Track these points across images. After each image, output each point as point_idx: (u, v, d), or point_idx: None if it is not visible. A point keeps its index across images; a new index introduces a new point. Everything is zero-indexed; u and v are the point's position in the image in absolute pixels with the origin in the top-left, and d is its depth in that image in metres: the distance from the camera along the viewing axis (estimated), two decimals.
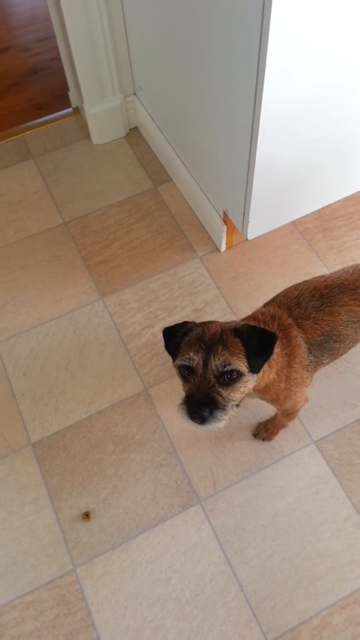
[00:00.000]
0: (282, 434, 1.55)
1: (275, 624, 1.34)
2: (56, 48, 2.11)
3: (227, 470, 1.52)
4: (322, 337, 1.25)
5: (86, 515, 1.48)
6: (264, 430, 1.54)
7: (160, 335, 1.73)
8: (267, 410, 1.59)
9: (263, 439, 1.55)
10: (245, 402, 1.56)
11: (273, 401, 1.27)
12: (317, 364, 1.28)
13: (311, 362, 1.26)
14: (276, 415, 1.48)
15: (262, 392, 1.21)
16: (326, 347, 1.27)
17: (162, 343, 1.74)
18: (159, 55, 1.75)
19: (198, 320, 1.70)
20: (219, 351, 1.04)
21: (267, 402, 1.30)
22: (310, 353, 1.25)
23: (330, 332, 1.26)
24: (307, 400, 1.35)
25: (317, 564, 1.40)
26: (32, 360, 1.72)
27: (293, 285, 1.34)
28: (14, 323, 1.79)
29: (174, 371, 1.68)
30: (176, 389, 1.65)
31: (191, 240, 1.94)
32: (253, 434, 1.56)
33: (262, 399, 1.28)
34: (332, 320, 1.25)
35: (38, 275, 1.89)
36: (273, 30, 1.13)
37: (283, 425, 1.48)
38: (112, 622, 1.36)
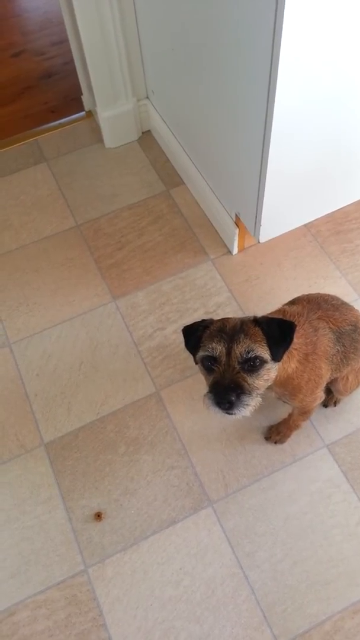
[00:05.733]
0: (294, 437, 1.54)
1: (287, 627, 1.34)
2: (69, 52, 2.13)
3: (239, 473, 1.52)
4: (350, 327, 1.30)
5: (98, 516, 1.48)
6: (276, 433, 1.53)
7: (172, 338, 1.75)
8: (279, 413, 1.59)
9: (275, 442, 1.55)
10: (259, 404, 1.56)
11: (293, 395, 1.27)
12: (343, 356, 1.30)
13: (338, 351, 1.29)
14: (289, 416, 1.48)
15: (284, 383, 1.22)
16: (354, 338, 1.31)
17: (173, 345, 1.75)
18: (171, 59, 1.76)
19: None
20: (241, 339, 1.06)
21: (286, 399, 1.30)
22: (338, 342, 1.28)
23: (355, 323, 1.32)
24: (323, 398, 1.36)
25: (329, 568, 1.40)
26: (45, 362, 1.73)
27: (310, 293, 1.41)
28: (27, 324, 1.81)
29: (186, 373, 1.69)
30: (187, 391, 1.66)
31: (203, 243, 1.94)
32: (265, 437, 1.56)
33: (281, 395, 1.28)
34: (358, 315, 1.36)
35: (51, 277, 1.90)
36: (286, 34, 1.13)
37: (297, 426, 1.48)
38: (124, 623, 1.36)
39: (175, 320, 1.79)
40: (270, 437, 1.55)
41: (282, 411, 1.58)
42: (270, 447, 1.55)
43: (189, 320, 1.78)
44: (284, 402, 1.34)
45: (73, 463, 1.57)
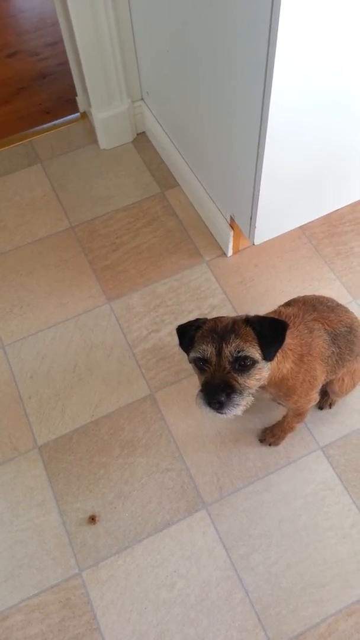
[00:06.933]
0: (288, 439, 1.54)
1: (281, 630, 1.34)
2: (64, 53, 2.13)
3: (233, 475, 1.52)
4: (345, 328, 1.31)
5: (92, 519, 1.48)
6: (271, 436, 1.53)
7: (167, 340, 1.75)
8: (273, 415, 1.59)
9: (269, 445, 1.55)
10: (253, 406, 1.56)
11: (288, 396, 1.28)
12: (339, 357, 1.31)
13: (333, 353, 1.29)
14: (283, 418, 1.48)
15: (278, 384, 1.22)
16: (349, 339, 1.32)
17: (168, 347, 1.74)
18: (166, 60, 1.76)
19: None
20: (231, 339, 1.07)
21: (280, 400, 1.31)
22: (334, 343, 1.29)
23: (350, 325, 1.33)
24: (317, 400, 1.36)
25: (323, 571, 1.40)
26: (39, 364, 1.72)
27: (306, 295, 1.41)
28: (21, 326, 1.80)
29: (180, 375, 1.69)
30: (182, 394, 1.65)
31: (198, 245, 1.94)
32: (259, 439, 1.56)
33: (275, 397, 1.29)
34: (353, 317, 1.37)
35: (45, 279, 1.90)
36: (281, 35, 1.13)
37: (291, 428, 1.48)
38: (118, 626, 1.36)
39: (170, 322, 1.78)
40: (264, 440, 1.55)
41: (277, 413, 1.58)
42: (264, 450, 1.55)
43: (184, 322, 1.77)
44: (279, 403, 1.34)
45: (67, 466, 1.56)
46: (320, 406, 1.58)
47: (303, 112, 1.35)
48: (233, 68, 1.36)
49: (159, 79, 1.92)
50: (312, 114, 1.38)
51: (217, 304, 1.81)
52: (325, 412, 1.60)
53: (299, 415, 1.41)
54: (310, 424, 1.58)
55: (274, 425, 1.54)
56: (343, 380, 1.42)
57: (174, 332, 1.76)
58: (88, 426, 1.62)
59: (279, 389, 1.24)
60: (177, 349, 1.71)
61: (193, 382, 1.66)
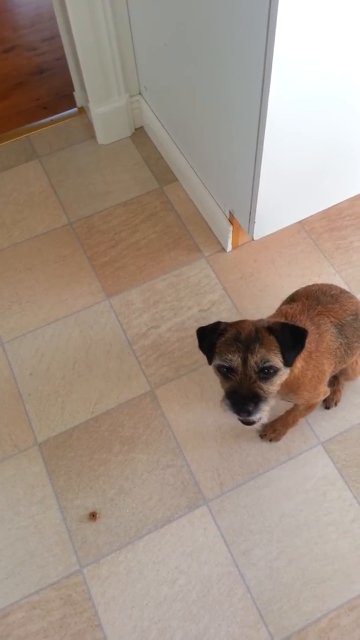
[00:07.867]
0: (288, 435, 1.54)
1: (282, 625, 1.34)
2: (61, 48, 2.11)
3: (234, 471, 1.52)
4: (351, 317, 1.31)
5: (93, 516, 1.48)
6: (271, 431, 1.53)
7: (167, 336, 1.75)
8: (274, 410, 1.58)
9: (270, 440, 1.54)
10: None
11: (297, 394, 1.28)
12: (347, 347, 1.31)
13: (341, 344, 1.30)
14: (286, 413, 1.49)
15: (289, 384, 1.23)
16: (355, 327, 1.32)
17: (168, 344, 1.74)
18: (164, 54, 1.75)
19: (204, 321, 1.71)
20: (256, 349, 1.09)
21: (289, 398, 1.32)
22: (341, 334, 1.29)
23: (356, 312, 1.33)
24: (328, 393, 1.37)
25: (325, 566, 1.40)
26: (38, 361, 1.72)
27: (308, 285, 1.41)
28: (20, 323, 1.79)
29: (180, 371, 1.69)
30: (182, 390, 1.65)
31: (197, 240, 1.93)
32: (260, 435, 1.56)
33: (285, 396, 1.29)
34: (358, 302, 1.36)
35: (44, 275, 1.89)
36: (280, 29, 1.12)
37: (294, 422, 1.49)
38: (119, 623, 1.36)
39: (170, 318, 1.78)
40: (265, 435, 1.55)
41: (278, 409, 1.57)
42: (265, 445, 1.55)
43: (184, 318, 1.77)
44: (287, 401, 1.34)
45: (67, 462, 1.56)
46: (327, 406, 1.58)
47: (302, 106, 1.34)
48: (231, 62, 1.35)
49: (156, 73, 1.91)
50: (312, 108, 1.37)
51: (216, 300, 1.80)
52: (325, 408, 1.59)
53: (309, 408, 1.42)
54: (311, 420, 1.58)
55: (275, 421, 1.53)
56: (357, 362, 1.44)
57: (174, 328, 1.76)
58: (88, 423, 1.61)
59: (289, 388, 1.25)
60: (178, 345, 1.71)
61: (193, 378, 1.66)
